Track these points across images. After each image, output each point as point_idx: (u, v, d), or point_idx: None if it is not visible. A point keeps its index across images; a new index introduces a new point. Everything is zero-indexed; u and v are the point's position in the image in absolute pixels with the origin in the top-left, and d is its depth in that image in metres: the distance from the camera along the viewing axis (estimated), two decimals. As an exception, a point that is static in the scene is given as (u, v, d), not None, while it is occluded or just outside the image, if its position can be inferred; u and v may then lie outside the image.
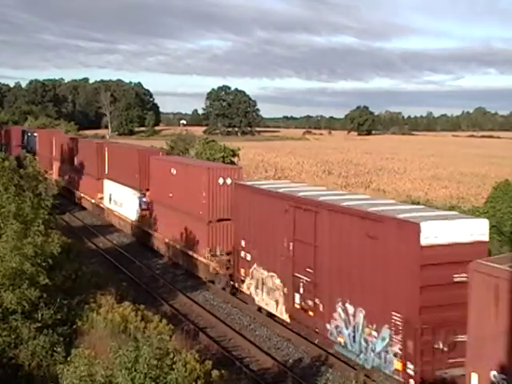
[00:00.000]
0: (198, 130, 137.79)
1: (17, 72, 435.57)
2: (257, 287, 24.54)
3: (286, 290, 22.44)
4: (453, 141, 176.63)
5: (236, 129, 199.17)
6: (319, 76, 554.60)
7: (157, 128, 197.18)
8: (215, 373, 15.47)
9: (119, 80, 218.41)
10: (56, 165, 59.24)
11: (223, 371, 16.00)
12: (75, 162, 52.45)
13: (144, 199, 36.35)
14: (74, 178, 52.94)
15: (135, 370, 11.27)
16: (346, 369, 19.74)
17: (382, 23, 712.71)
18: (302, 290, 21.33)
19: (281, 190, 23.28)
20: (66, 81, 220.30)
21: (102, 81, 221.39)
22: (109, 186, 43.37)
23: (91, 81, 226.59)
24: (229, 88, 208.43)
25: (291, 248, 21.83)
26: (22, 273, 17.65)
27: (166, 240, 33.06)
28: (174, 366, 11.75)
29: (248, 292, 25.43)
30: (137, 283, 29.61)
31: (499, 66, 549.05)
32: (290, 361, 20.97)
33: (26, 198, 19.09)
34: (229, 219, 27.74)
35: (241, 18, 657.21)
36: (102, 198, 45.08)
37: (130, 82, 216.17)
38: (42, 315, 17.90)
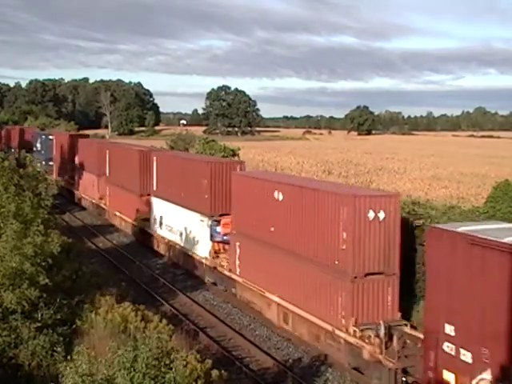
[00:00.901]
0: (198, 130, 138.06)
1: (17, 72, 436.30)
2: None
3: None
4: (453, 141, 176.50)
5: (236, 129, 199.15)
6: (319, 76, 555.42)
7: (157, 128, 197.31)
8: (215, 372, 15.48)
9: (119, 80, 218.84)
10: (78, 174, 52.20)
11: (223, 371, 16.01)
12: (106, 173, 44.46)
13: (218, 229, 27.77)
14: (106, 192, 44.74)
15: (134, 370, 11.30)
16: (346, 369, 19.77)
17: (382, 23, 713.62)
18: None
19: None
20: (66, 81, 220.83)
21: (102, 81, 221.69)
22: (159, 207, 34.80)
23: (91, 81, 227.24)
24: (229, 88, 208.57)
25: None
26: (22, 273, 17.68)
27: (262, 291, 24.19)
28: (172, 365, 11.77)
29: None
30: (137, 283, 29.60)
31: (499, 65, 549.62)
32: (290, 361, 20.98)
33: (25, 198, 19.11)
34: (381, 273, 19.81)
35: (241, 18, 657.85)
36: (147, 220, 37.27)
37: (130, 82, 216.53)
38: (41, 315, 17.92)
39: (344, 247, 19.54)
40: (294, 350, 21.82)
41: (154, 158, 35.56)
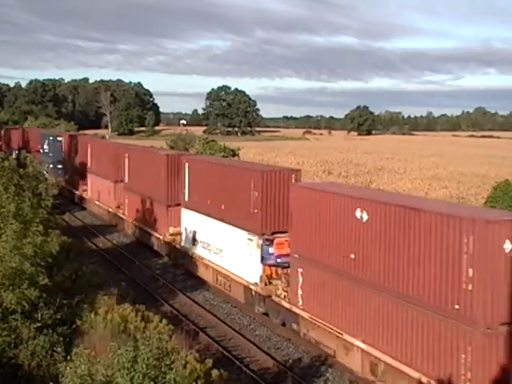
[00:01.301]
0: (198, 130, 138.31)
1: (17, 72, 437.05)
2: None
3: None
4: (453, 141, 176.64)
5: (236, 129, 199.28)
6: (319, 76, 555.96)
7: (157, 128, 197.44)
8: (215, 372, 15.48)
9: (119, 80, 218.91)
10: (92, 180, 48.03)
11: (223, 371, 16.01)
12: (125, 179, 40.13)
13: (271, 249, 23.55)
14: (124, 201, 40.52)
15: (134, 370, 11.29)
16: (346, 369, 19.76)
17: (382, 23, 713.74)
18: None
19: None
20: (66, 81, 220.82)
21: (102, 81, 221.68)
22: (191, 220, 30.76)
23: (91, 81, 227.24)
24: (229, 88, 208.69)
25: None
26: (22, 273, 17.69)
27: (339, 332, 19.80)
28: (172, 365, 11.76)
29: None
30: (137, 283, 29.58)
31: (499, 65, 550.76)
32: (290, 361, 20.96)
33: (25, 198, 19.12)
34: None
35: (241, 18, 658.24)
36: (177, 235, 32.65)
37: (130, 82, 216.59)
38: (41, 315, 17.93)
39: (470, 288, 15.11)
40: (293, 350, 21.81)
41: (186, 164, 31.10)
